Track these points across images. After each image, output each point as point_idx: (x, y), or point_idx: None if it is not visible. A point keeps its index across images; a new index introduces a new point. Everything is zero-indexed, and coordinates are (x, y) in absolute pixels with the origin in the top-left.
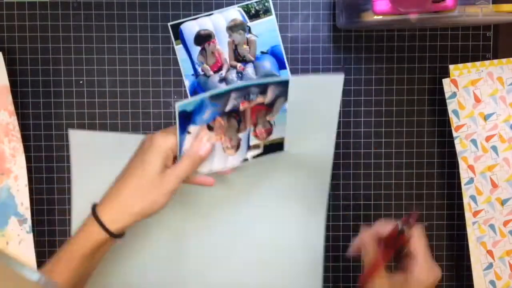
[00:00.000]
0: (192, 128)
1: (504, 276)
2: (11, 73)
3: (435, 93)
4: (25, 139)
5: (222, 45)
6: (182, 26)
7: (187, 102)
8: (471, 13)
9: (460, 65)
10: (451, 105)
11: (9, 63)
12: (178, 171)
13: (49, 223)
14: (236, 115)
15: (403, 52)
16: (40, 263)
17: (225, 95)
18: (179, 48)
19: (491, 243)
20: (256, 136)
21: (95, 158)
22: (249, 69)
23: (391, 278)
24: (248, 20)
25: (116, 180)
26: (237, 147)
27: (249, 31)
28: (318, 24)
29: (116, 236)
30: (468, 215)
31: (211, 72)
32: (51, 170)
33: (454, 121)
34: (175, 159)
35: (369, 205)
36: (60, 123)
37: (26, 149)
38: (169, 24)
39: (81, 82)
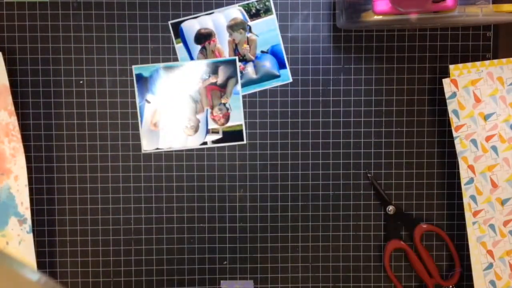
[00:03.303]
0: (150, 97)
1: (504, 276)
2: (11, 73)
3: (435, 93)
4: (25, 139)
5: (222, 44)
6: (183, 25)
7: (142, 66)
8: (471, 13)
9: (460, 65)
10: (451, 105)
11: (9, 63)
12: None
13: (49, 223)
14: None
15: (403, 52)
16: (40, 263)
17: (178, 67)
18: (179, 47)
19: (491, 243)
20: (214, 119)
21: None
22: (249, 69)
23: None
24: (248, 19)
25: None
26: (196, 128)
27: (250, 30)
28: (318, 24)
29: None
30: (468, 215)
31: None
32: (51, 170)
33: (454, 121)
34: None
35: (369, 206)
36: (60, 123)
37: (26, 149)
38: (169, 22)
39: (81, 82)
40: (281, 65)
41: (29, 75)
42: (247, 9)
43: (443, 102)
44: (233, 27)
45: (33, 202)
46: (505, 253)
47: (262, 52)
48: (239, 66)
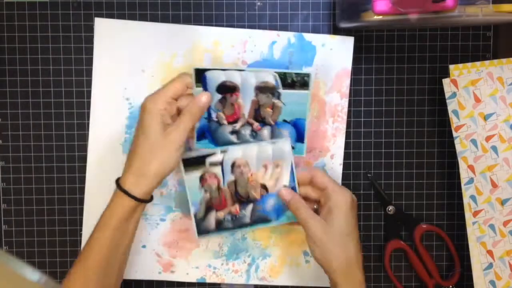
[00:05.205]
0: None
1: (504, 276)
2: (10, 73)
3: (435, 93)
4: (25, 139)
5: (244, 101)
6: (208, 73)
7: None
8: (471, 13)
9: (460, 65)
10: (451, 105)
11: (9, 63)
12: (179, 127)
13: (49, 223)
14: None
15: (403, 52)
16: (40, 262)
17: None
18: (197, 91)
19: (491, 243)
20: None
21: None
22: (265, 131)
23: (318, 218)
24: (281, 87)
25: (128, 152)
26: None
27: (278, 97)
28: (318, 24)
29: (143, 201)
30: (468, 215)
31: (225, 121)
32: (51, 170)
33: (454, 121)
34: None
35: (369, 205)
36: (60, 123)
37: (26, 149)
38: (193, 68)
39: (81, 82)
40: (299, 138)
41: (29, 75)
42: (283, 77)
43: (443, 102)
44: (262, 89)
45: (33, 202)
46: (505, 253)
47: (285, 121)
48: (256, 126)
